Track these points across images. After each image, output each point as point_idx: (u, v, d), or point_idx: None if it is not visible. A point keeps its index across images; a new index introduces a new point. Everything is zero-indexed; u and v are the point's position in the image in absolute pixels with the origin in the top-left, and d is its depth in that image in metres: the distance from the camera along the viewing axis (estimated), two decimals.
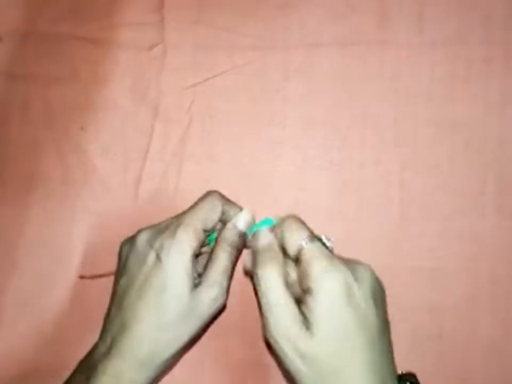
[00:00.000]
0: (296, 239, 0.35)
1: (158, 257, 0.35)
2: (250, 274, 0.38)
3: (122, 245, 0.38)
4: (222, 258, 0.36)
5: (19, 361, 0.42)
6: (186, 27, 0.44)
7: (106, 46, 0.44)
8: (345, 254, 0.42)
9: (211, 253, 0.37)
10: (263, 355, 0.42)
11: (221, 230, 0.38)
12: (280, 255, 0.35)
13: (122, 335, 0.35)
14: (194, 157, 0.44)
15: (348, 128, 0.43)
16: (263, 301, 0.34)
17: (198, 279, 0.36)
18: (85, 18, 0.45)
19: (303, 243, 0.34)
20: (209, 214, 0.37)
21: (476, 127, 0.43)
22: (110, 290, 0.38)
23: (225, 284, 0.36)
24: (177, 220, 0.37)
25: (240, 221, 0.38)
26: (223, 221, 0.38)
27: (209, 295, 0.35)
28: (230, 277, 0.37)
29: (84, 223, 0.43)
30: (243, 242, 0.38)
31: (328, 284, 0.33)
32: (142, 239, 0.37)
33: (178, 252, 0.35)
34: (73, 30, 0.45)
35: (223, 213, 0.38)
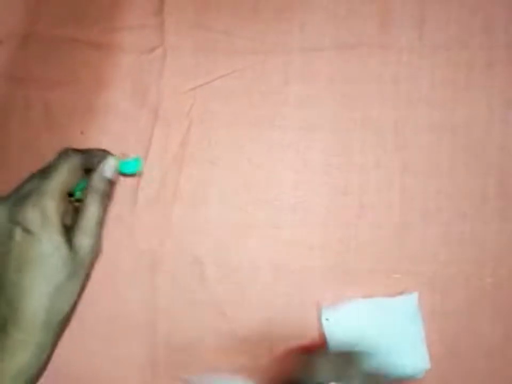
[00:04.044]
0: None
1: (27, 230, 0.35)
2: None
3: None
4: (93, 208, 0.37)
5: None
6: (187, 30, 0.44)
7: (106, 49, 0.44)
8: (346, 258, 0.42)
9: (82, 204, 0.37)
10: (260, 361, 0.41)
11: (88, 180, 0.38)
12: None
13: (14, 314, 0.35)
14: (194, 161, 0.43)
15: (348, 132, 0.43)
16: None
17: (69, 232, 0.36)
18: (85, 21, 0.45)
19: None
20: (69, 174, 0.37)
21: (477, 131, 0.43)
22: None
23: (95, 230, 0.37)
24: (37, 188, 0.36)
25: (107, 170, 0.38)
26: (87, 169, 0.38)
27: (83, 243, 0.36)
28: (102, 224, 0.37)
29: None
30: (111, 190, 0.38)
31: None
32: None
33: (49, 222, 0.35)
34: (74, 33, 0.44)
35: (86, 165, 0.38)
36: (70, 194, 0.38)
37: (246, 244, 0.43)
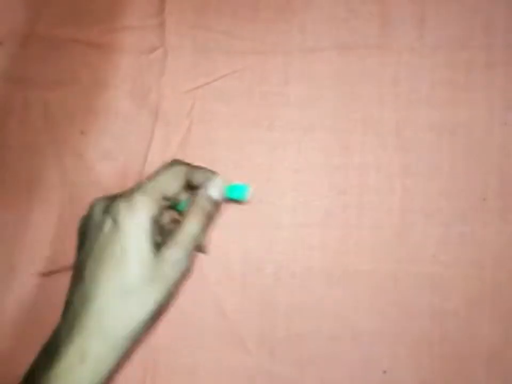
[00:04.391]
0: None
1: (115, 222, 0.34)
2: None
3: (80, 222, 0.37)
4: (191, 223, 0.36)
5: None
6: (187, 31, 0.44)
7: (106, 49, 0.44)
8: (346, 259, 0.42)
9: (183, 217, 0.36)
10: (260, 362, 0.41)
11: (194, 196, 0.37)
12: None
13: (84, 308, 0.33)
14: (194, 161, 0.43)
15: (348, 133, 0.43)
16: None
17: (162, 244, 0.35)
18: (85, 22, 0.45)
19: None
20: (169, 180, 0.36)
21: (478, 132, 0.42)
22: None
23: (190, 246, 0.35)
24: (135, 187, 0.36)
25: (214, 190, 0.37)
26: (193, 187, 0.37)
27: (173, 256, 0.35)
28: (198, 243, 0.36)
29: None
30: (216, 210, 0.37)
31: None
32: (97, 208, 0.36)
33: (136, 214, 0.34)
34: (74, 33, 0.44)
35: (189, 180, 0.37)
36: (173, 207, 0.38)
37: (246, 244, 0.42)
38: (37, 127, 0.44)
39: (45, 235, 0.43)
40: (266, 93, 0.43)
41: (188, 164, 0.38)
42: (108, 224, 0.35)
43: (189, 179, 0.37)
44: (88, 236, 0.36)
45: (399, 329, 0.42)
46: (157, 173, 0.37)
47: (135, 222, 0.34)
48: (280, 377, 0.41)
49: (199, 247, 0.39)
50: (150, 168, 0.43)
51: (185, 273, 0.36)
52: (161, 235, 0.37)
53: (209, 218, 0.37)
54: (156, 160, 0.43)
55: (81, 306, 0.34)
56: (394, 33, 0.43)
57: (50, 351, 0.34)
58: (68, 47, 0.44)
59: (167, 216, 0.39)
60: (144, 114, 0.44)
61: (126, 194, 0.35)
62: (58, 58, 0.44)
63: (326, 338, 0.41)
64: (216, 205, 0.37)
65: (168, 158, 0.43)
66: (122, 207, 0.34)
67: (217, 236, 0.42)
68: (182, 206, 0.38)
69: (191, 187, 0.38)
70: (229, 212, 0.42)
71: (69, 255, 0.42)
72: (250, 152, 0.43)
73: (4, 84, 0.44)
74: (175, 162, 0.38)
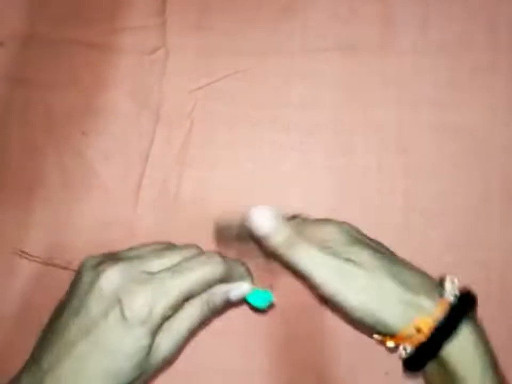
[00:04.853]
0: None
1: (123, 316, 0.30)
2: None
3: (85, 265, 0.33)
4: (194, 314, 0.33)
5: None
6: (188, 31, 0.44)
7: (107, 50, 0.44)
8: None
9: (185, 302, 0.33)
10: (254, 362, 0.41)
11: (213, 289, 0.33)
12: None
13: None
14: (196, 162, 0.43)
15: (350, 134, 0.43)
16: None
17: None
18: (86, 22, 0.45)
19: None
20: (202, 285, 0.32)
21: (480, 133, 0.42)
22: None
23: (184, 336, 0.33)
24: (161, 278, 0.31)
25: (235, 294, 0.34)
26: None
27: (166, 347, 0.32)
28: (189, 335, 0.33)
29: (84, 229, 0.43)
30: (221, 310, 0.35)
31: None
32: (110, 282, 0.31)
33: (150, 324, 0.30)
34: (74, 34, 0.44)
35: (223, 279, 0.34)
36: None
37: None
38: (38, 127, 0.44)
39: (45, 235, 0.43)
40: (268, 94, 0.43)
41: (226, 259, 0.34)
42: (116, 313, 0.30)
43: (224, 280, 0.34)
44: (90, 305, 0.31)
45: None
46: (190, 268, 0.32)
47: (145, 330, 0.30)
48: (281, 378, 0.41)
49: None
50: (150, 168, 0.43)
51: (167, 364, 0.34)
52: None
53: (211, 313, 0.34)
54: (157, 160, 0.43)
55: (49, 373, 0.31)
56: (396, 34, 0.43)
57: None
58: (69, 48, 0.44)
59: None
60: (145, 115, 0.44)
61: (148, 285, 0.31)
62: (59, 59, 0.44)
63: (327, 339, 0.41)
64: (225, 304, 0.35)
65: (170, 158, 0.43)
66: (140, 310, 0.30)
67: None
68: None
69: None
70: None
71: (68, 255, 0.42)
72: (251, 153, 0.43)
73: (5, 84, 0.44)
74: (215, 258, 0.33)
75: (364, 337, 0.41)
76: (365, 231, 0.42)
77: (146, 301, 0.30)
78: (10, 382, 0.32)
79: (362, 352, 0.41)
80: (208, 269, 0.32)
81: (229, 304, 0.36)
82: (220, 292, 0.34)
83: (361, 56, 0.43)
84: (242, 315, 0.40)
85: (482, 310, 0.41)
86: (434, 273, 0.40)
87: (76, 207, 0.43)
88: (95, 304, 0.31)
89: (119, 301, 0.30)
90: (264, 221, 0.34)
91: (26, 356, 0.33)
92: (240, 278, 0.35)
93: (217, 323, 0.40)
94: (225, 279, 0.34)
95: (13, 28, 0.45)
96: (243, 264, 0.36)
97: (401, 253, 0.42)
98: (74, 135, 0.44)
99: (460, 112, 0.43)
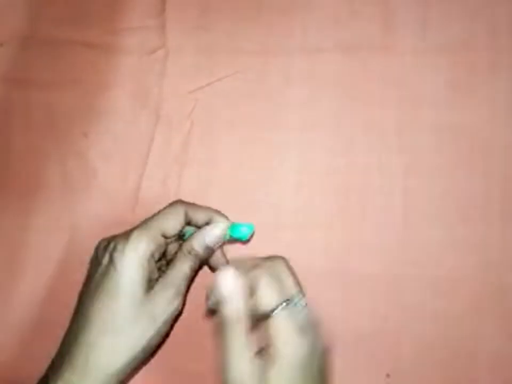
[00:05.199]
0: (270, 301, 0.33)
1: (111, 258, 0.34)
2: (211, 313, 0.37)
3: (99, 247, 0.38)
4: (182, 264, 0.36)
5: None
6: (188, 32, 0.44)
7: (107, 51, 0.44)
8: (348, 262, 0.42)
9: (173, 259, 0.37)
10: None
11: (188, 239, 0.37)
12: (245, 319, 0.33)
13: (74, 344, 0.33)
14: (195, 162, 0.43)
15: (351, 134, 0.43)
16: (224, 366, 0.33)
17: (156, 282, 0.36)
18: (86, 23, 0.45)
19: (277, 308, 0.33)
20: (169, 219, 0.36)
21: (480, 133, 0.42)
22: None
23: (182, 288, 0.35)
24: (136, 226, 0.36)
25: (211, 238, 0.37)
26: (194, 225, 0.38)
27: (164, 296, 0.34)
28: (188, 285, 0.36)
29: (84, 229, 0.43)
30: (208, 255, 0.37)
31: (289, 357, 0.32)
32: (100, 246, 0.36)
33: (131, 252, 0.34)
34: (75, 35, 0.45)
35: (190, 219, 0.37)
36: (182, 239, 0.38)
37: (248, 245, 0.42)
38: (39, 128, 0.44)
39: (47, 236, 0.43)
40: (268, 94, 0.43)
41: (190, 204, 0.38)
42: (106, 260, 0.35)
43: (190, 219, 0.37)
44: (90, 271, 0.36)
45: (403, 332, 0.41)
46: (157, 212, 0.37)
47: (130, 259, 0.34)
48: None
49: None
50: (150, 168, 0.43)
51: (174, 313, 0.35)
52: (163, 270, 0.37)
53: (200, 261, 0.37)
54: (157, 160, 0.43)
55: (73, 339, 0.34)
56: (397, 34, 0.43)
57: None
58: (69, 48, 0.44)
59: (173, 249, 0.38)
60: (145, 115, 0.44)
61: (126, 232, 0.36)
62: (59, 59, 0.45)
63: (329, 341, 0.41)
64: (208, 249, 0.37)
65: (170, 158, 0.43)
66: (119, 245, 0.35)
67: None
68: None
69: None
70: (231, 214, 0.42)
71: (68, 255, 0.42)
72: (252, 153, 0.43)
73: (6, 85, 0.45)
74: (176, 202, 0.38)
75: (364, 338, 0.41)
76: (365, 231, 0.42)
77: (123, 236, 0.35)
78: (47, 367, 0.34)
79: (364, 354, 0.41)
80: (172, 208, 0.37)
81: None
82: (198, 241, 0.36)
83: (361, 56, 0.43)
84: None
85: (482, 310, 0.41)
86: (434, 273, 0.41)
87: (76, 207, 0.43)
88: (93, 268, 0.36)
89: (106, 250, 0.35)
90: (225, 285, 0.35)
91: (32, 365, 0.34)
92: (214, 221, 0.38)
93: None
94: (194, 218, 0.37)
95: (13, 28, 0.45)
96: (216, 210, 0.38)
97: (401, 252, 0.42)
98: (75, 136, 0.44)
99: (460, 112, 0.43)
